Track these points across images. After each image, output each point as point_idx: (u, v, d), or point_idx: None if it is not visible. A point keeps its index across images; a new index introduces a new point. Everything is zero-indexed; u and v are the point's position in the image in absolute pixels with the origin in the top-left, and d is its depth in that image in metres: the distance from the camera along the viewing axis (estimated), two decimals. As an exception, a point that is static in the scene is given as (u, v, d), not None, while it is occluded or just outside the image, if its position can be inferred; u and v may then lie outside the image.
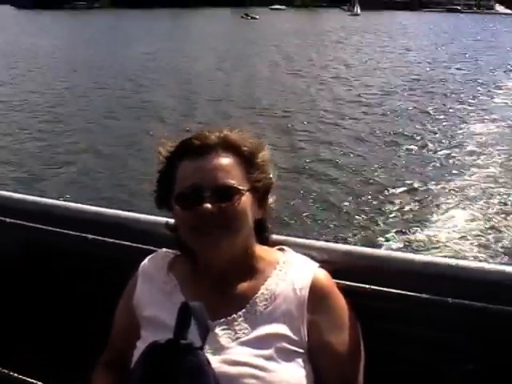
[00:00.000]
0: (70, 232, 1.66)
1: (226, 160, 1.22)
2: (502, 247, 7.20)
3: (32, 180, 9.95)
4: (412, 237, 7.53)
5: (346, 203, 8.73)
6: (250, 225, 1.24)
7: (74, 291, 1.70)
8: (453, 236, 7.50)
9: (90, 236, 1.63)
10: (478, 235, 7.52)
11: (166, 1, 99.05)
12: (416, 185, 9.68)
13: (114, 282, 1.39)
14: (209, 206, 1.17)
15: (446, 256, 6.55)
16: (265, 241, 1.33)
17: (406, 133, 13.33)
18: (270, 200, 1.31)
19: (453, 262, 1.30)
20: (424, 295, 1.26)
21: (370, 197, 8.97)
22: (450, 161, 11.27)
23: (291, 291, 1.22)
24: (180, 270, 1.31)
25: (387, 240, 7.37)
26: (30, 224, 1.73)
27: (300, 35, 43.14)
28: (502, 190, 9.32)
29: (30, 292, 1.79)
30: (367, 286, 1.31)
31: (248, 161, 1.25)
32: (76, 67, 24.56)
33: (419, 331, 1.31)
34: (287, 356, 1.17)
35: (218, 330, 1.19)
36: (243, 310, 1.21)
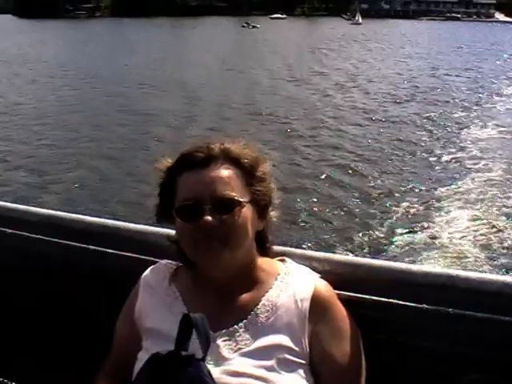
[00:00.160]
0: (71, 243, 1.67)
1: (226, 172, 1.22)
2: (504, 248, 7.23)
3: (34, 190, 9.94)
4: (415, 241, 7.53)
5: (348, 213, 8.69)
6: (250, 236, 1.24)
7: (74, 302, 1.70)
8: (457, 242, 7.49)
9: (92, 247, 1.63)
10: (482, 239, 7.54)
11: (167, 10, 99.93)
12: (418, 191, 9.67)
13: (115, 293, 1.39)
14: (209, 218, 1.17)
15: (447, 264, 6.58)
16: (266, 252, 1.33)
17: (409, 139, 13.35)
18: (271, 211, 1.30)
19: (453, 272, 1.30)
20: (425, 306, 1.26)
21: (371, 207, 8.94)
22: (453, 165, 11.29)
23: (292, 302, 1.22)
24: (181, 281, 1.31)
25: (391, 243, 7.38)
26: (30, 235, 1.74)
27: (300, 44, 43.24)
28: (503, 194, 9.35)
29: (30, 302, 1.78)
30: (368, 297, 1.31)
31: (248, 173, 1.24)
32: (80, 75, 24.63)
33: (420, 341, 1.31)
34: (289, 367, 1.17)
35: (219, 341, 1.19)
36: (245, 321, 1.21)
